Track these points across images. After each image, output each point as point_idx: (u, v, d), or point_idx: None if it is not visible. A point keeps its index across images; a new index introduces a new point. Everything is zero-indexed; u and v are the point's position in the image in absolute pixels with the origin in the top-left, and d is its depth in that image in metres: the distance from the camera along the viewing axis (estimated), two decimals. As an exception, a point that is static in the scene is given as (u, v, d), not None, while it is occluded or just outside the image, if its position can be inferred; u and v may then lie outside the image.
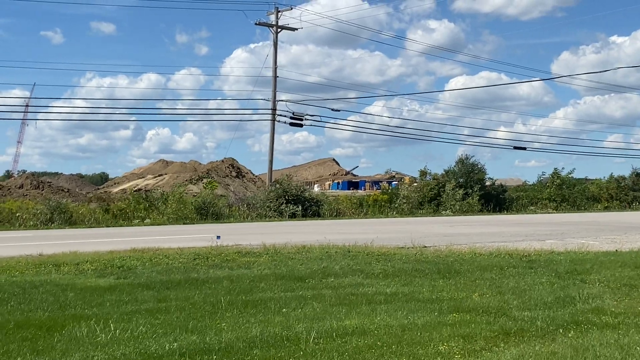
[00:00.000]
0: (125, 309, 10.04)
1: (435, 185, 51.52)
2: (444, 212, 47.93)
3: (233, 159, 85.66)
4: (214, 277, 13.29)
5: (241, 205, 40.45)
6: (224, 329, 8.70)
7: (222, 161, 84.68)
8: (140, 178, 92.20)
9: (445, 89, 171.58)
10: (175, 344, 7.93)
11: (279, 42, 46.86)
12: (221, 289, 11.76)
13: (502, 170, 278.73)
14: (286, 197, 39.52)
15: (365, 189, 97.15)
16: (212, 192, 42.55)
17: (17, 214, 31.73)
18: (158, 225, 32.11)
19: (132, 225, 32.15)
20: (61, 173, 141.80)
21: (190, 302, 10.54)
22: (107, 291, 11.65)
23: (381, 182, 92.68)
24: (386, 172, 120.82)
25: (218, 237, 20.10)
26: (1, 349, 7.60)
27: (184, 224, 32.75)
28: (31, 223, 30.90)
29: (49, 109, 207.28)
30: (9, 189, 63.71)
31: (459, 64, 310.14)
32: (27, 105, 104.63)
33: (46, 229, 29.64)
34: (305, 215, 39.59)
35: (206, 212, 36.33)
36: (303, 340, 8.11)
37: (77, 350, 7.66)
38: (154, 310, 9.96)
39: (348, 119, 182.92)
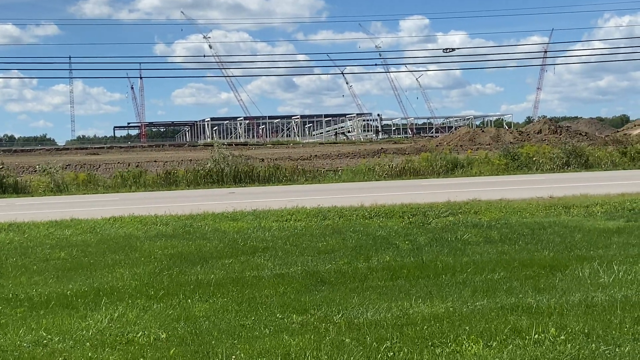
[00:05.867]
0: (632, 252, 9.83)
1: None
2: None
3: None
4: None
5: None
6: None
7: None
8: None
9: None
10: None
11: None
12: None
13: None
14: None
15: None
16: None
17: (534, 158, 32.69)
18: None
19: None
20: (580, 117, 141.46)
21: None
22: (615, 233, 11.48)
23: None
24: None
25: None
26: (504, 285, 8.11)
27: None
28: (547, 167, 31.56)
29: (567, 53, 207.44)
30: (527, 134, 65.97)
31: None
32: (545, 51, 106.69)
33: (561, 172, 30.05)
34: None
35: None
36: None
37: (577, 290, 7.77)
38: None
39: None
